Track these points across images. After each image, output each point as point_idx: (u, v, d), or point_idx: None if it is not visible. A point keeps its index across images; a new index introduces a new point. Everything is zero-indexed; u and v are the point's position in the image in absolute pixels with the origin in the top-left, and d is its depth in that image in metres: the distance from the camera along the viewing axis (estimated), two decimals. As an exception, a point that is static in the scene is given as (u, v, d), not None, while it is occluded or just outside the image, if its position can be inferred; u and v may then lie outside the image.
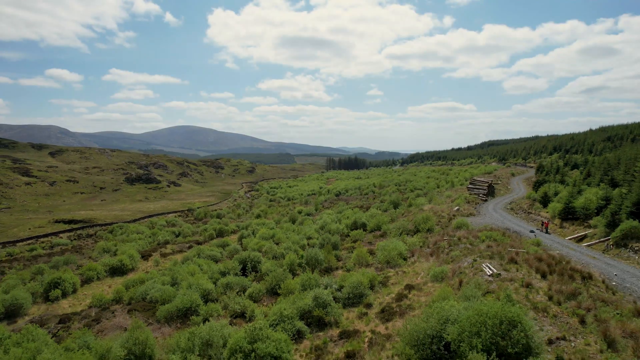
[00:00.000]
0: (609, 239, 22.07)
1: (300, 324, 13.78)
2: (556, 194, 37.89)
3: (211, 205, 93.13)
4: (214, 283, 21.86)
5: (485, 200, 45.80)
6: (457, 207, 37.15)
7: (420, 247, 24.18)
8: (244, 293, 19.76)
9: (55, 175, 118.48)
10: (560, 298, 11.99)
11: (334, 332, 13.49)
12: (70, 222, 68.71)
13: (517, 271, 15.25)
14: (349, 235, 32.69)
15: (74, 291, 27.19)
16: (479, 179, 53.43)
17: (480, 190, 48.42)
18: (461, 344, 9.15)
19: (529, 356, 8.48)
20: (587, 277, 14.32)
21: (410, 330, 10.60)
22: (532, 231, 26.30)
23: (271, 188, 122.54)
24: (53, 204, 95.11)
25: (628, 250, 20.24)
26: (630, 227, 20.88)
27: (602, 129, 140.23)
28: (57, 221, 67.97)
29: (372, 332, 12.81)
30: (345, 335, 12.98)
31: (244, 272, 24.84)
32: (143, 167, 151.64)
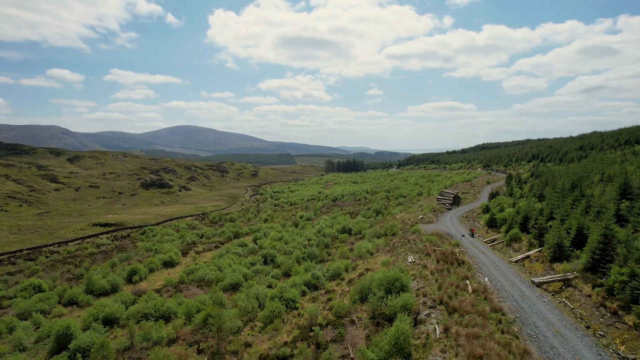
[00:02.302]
0: (503, 241, 33.89)
1: (304, 288, 25.64)
2: (498, 205, 49.55)
3: (222, 209, 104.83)
4: (247, 269, 33.71)
5: (450, 209, 57.53)
6: (421, 216, 48.99)
7: (384, 246, 36.05)
8: (268, 275, 31.60)
9: (78, 181, 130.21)
10: (435, 272, 23.76)
11: (322, 291, 25.35)
12: (105, 225, 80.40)
13: (426, 260, 27.07)
14: (338, 237, 44.60)
15: (145, 277, 38.98)
16: (447, 191, 65.19)
17: (447, 201, 60.25)
18: (375, 289, 20.95)
19: (401, 291, 20.23)
20: (461, 262, 26.13)
21: (357, 286, 22.44)
22: (462, 235, 38.05)
23: (274, 192, 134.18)
24: (81, 208, 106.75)
25: (510, 248, 32.07)
26: (513, 233, 32.73)
27: (580, 137, 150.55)
28: (94, 224, 79.76)
29: (342, 290, 24.66)
30: (328, 292, 24.82)
31: (265, 263, 36.69)
32: (154, 172, 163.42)
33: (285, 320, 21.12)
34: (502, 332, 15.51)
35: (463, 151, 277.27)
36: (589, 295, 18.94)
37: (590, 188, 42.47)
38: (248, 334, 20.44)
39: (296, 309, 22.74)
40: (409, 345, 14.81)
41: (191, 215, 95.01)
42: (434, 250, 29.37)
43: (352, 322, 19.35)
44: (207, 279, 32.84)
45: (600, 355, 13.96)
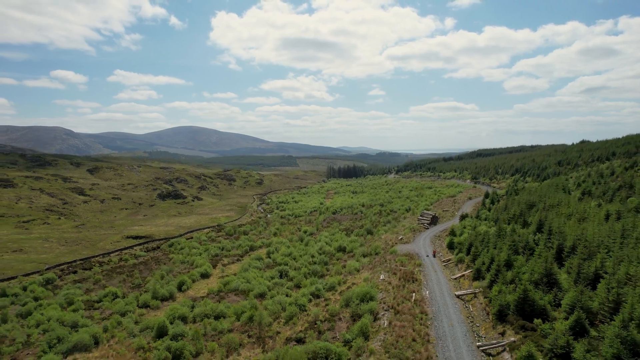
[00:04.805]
0: (454, 261, 46.65)
1: (310, 297, 38.58)
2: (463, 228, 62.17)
3: (234, 220, 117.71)
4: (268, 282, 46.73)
5: (427, 228, 70.11)
6: (401, 237, 61.79)
7: (367, 264, 48.94)
8: (284, 286, 44.59)
9: (101, 193, 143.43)
10: (395, 287, 36.55)
11: (322, 299, 38.31)
12: (136, 237, 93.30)
13: (392, 277, 39.89)
14: (335, 255, 57.63)
15: (190, 287, 51.83)
16: (427, 212, 77.95)
17: (426, 221, 72.99)
18: (354, 299, 33.82)
19: (370, 301, 33.08)
20: (415, 280, 38.98)
21: (344, 296, 35.39)
22: (427, 255, 50.73)
23: (280, 203, 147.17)
24: (108, 219, 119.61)
25: (456, 267, 44.83)
26: (460, 256, 45.50)
27: (562, 151, 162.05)
28: (127, 237, 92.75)
29: (335, 299, 37.60)
30: (326, 300, 37.79)
31: (280, 277, 49.67)
32: (168, 182, 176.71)
33: (299, 318, 34.01)
34: (420, 325, 28.35)
35: (459, 157, 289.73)
36: (482, 303, 31.75)
37: (532, 216, 54.91)
38: (277, 326, 33.33)
39: (306, 310, 35.64)
40: (368, 331, 27.70)
41: (208, 227, 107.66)
42: (400, 270, 42.21)
43: (340, 319, 32.23)
44: (240, 289, 45.77)
45: (465, 335, 26.77)
